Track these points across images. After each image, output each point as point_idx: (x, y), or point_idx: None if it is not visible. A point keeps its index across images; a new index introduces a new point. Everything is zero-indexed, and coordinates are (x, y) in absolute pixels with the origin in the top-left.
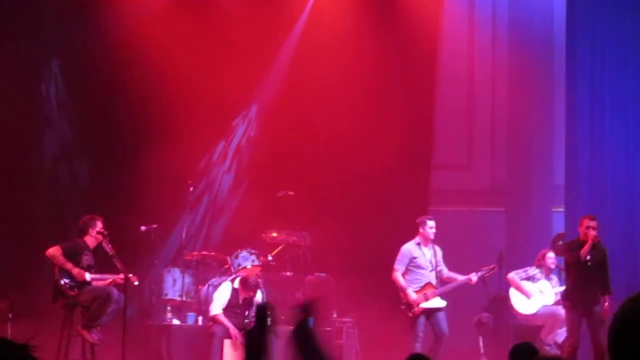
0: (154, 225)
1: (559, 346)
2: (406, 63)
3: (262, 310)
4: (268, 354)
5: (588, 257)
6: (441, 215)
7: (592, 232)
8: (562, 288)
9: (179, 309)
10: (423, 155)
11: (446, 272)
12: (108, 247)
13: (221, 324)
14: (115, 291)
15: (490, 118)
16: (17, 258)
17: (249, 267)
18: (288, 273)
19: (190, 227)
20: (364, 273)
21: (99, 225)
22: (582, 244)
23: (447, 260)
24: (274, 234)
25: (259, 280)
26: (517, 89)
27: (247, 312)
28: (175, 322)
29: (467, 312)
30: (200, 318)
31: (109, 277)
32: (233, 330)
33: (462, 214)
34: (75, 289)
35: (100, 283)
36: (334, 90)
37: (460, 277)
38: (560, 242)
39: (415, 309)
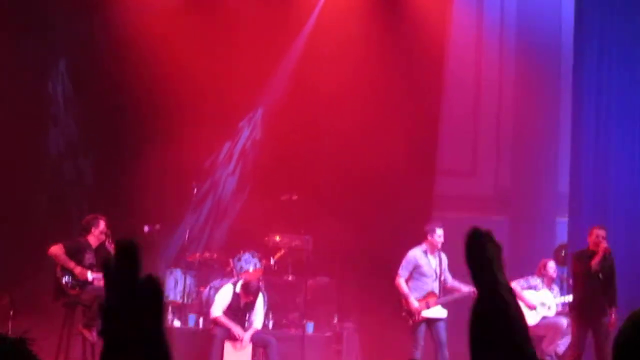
0: (157, 226)
1: (560, 357)
2: (413, 67)
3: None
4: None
5: (597, 269)
6: (444, 222)
7: (604, 244)
8: (564, 298)
9: (180, 311)
10: (428, 160)
11: (450, 281)
12: (111, 247)
13: (222, 325)
14: None
15: (496, 124)
16: (20, 255)
17: (251, 270)
18: (290, 277)
19: (193, 228)
20: (366, 277)
21: (102, 224)
22: (591, 254)
23: (448, 267)
24: (277, 238)
25: (261, 283)
26: (523, 96)
27: (247, 316)
28: (176, 323)
29: (467, 321)
30: (201, 320)
31: None
32: (236, 329)
33: (465, 221)
34: (77, 288)
35: (102, 282)
36: (339, 93)
37: (465, 288)
38: (563, 253)
39: (416, 317)
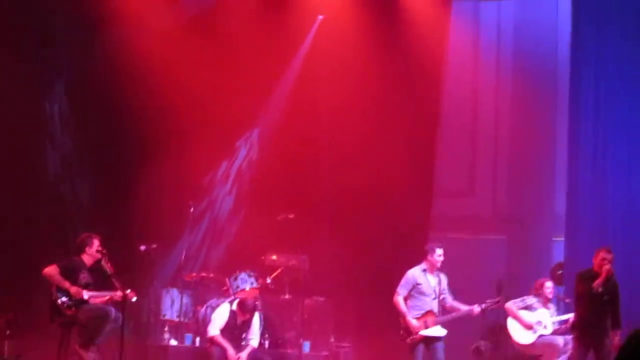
0: (154, 245)
1: None
2: (410, 88)
3: None
4: None
5: (600, 290)
6: (443, 242)
7: (607, 266)
8: (560, 318)
9: (177, 330)
10: (426, 180)
11: (450, 301)
12: (107, 266)
13: (218, 345)
14: (113, 310)
15: (493, 144)
16: (17, 274)
17: (247, 289)
18: (287, 296)
19: (190, 247)
20: (364, 297)
21: (96, 243)
22: (595, 275)
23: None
24: (274, 257)
25: (257, 302)
26: (520, 115)
27: (244, 335)
28: (173, 342)
29: (465, 339)
30: (197, 339)
31: (107, 294)
32: (231, 351)
33: (462, 241)
34: (73, 308)
35: (98, 300)
36: (337, 113)
37: (464, 308)
38: (560, 272)
39: (414, 336)
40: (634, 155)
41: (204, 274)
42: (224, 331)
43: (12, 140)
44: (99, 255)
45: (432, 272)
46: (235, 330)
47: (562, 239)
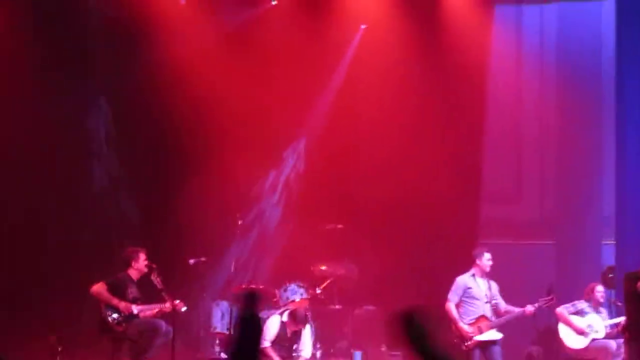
0: (203, 259)
1: None
2: (453, 94)
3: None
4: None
5: None
6: (491, 248)
7: None
8: (612, 321)
9: (227, 342)
10: (473, 187)
11: (503, 306)
12: (157, 280)
13: (269, 357)
14: (163, 324)
15: (539, 150)
16: (63, 291)
17: (297, 300)
18: (336, 306)
19: (239, 260)
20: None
21: (142, 257)
22: None
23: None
24: (323, 267)
25: (308, 313)
26: (565, 120)
27: (295, 346)
28: (224, 355)
29: (517, 345)
30: None
31: (156, 307)
32: None
33: (511, 247)
34: (123, 324)
35: (148, 313)
36: (381, 121)
37: (517, 309)
38: (611, 275)
39: (469, 342)
40: None
41: (253, 286)
42: (275, 343)
43: (58, 156)
44: (145, 269)
45: (481, 276)
46: (286, 341)
47: (612, 242)
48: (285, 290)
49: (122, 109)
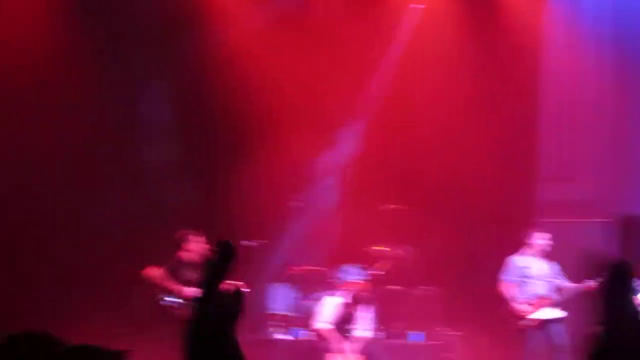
0: (258, 240)
1: None
2: (508, 74)
3: None
4: None
5: None
6: (547, 227)
7: None
8: None
9: (285, 323)
10: (528, 166)
11: (566, 284)
12: None
13: (327, 338)
14: None
15: (594, 128)
16: (118, 276)
17: (354, 281)
18: (394, 287)
19: (295, 241)
20: (472, 285)
21: (194, 239)
22: None
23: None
24: (379, 248)
25: (365, 294)
26: (622, 99)
27: (353, 327)
28: (281, 336)
29: (579, 325)
30: (305, 332)
31: None
32: (340, 344)
33: (566, 226)
34: (177, 307)
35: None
36: (436, 102)
37: (574, 286)
38: None
39: (525, 321)
40: None
41: (310, 267)
42: (332, 324)
43: (109, 141)
44: (203, 252)
45: (535, 256)
46: (344, 322)
47: None
48: (341, 272)
49: (173, 93)
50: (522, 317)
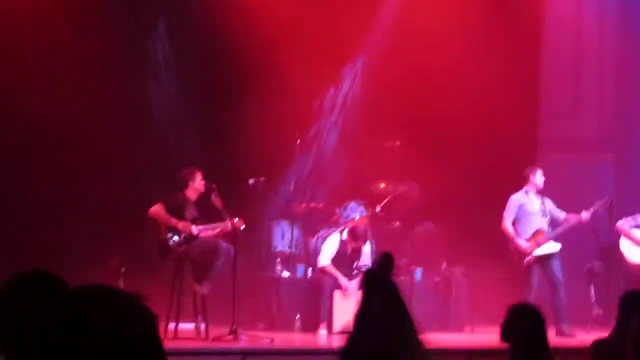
0: (262, 178)
1: None
2: (514, 12)
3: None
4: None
5: None
6: (549, 164)
7: None
8: None
9: (288, 261)
10: (531, 103)
11: (563, 217)
12: (216, 200)
13: (330, 275)
14: (224, 244)
15: (598, 65)
16: (124, 215)
17: (357, 218)
18: (396, 224)
19: (298, 179)
20: (473, 222)
21: (199, 177)
22: None
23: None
24: (382, 185)
25: (368, 231)
26: (626, 32)
27: (355, 263)
28: (285, 274)
29: (578, 261)
30: (309, 270)
31: (217, 226)
32: (343, 280)
33: (569, 163)
34: (184, 245)
35: (208, 233)
36: (440, 40)
37: (574, 218)
38: None
39: (529, 258)
40: None
41: (313, 205)
42: (335, 261)
43: (116, 78)
44: (202, 189)
45: (535, 193)
46: (346, 259)
47: None
48: (345, 209)
49: (179, 33)
50: (524, 254)
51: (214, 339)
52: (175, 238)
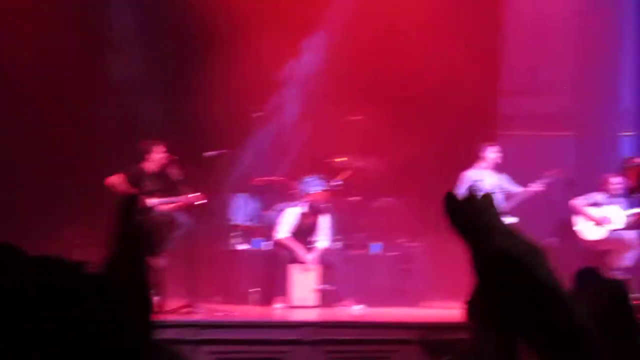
0: (220, 151)
1: (627, 270)
2: None
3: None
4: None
5: None
6: (508, 140)
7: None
8: (630, 212)
9: (246, 234)
10: (491, 79)
11: (514, 190)
12: (175, 172)
13: (287, 247)
14: (180, 216)
15: (558, 41)
16: (81, 188)
17: (316, 191)
18: (356, 198)
19: (257, 152)
20: (433, 197)
21: (159, 149)
22: None
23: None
24: (342, 159)
25: (326, 205)
26: (586, 11)
27: (313, 236)
28: (242, 246)
29: (534, 237)
30: (266, 243)
31: (173, 200)
32: (300, 252)
33: (529, 139)
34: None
35: (165, 207)
36: (402, 15)
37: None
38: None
39: None
40: None
41: (272, 178)
42: (293, 234)
43: (74, 46)
44: (162, 161)
45: (488, 169)
46: (304, 233)
47: (631, 133)
48: (304, 183)
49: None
50: None
51: (170, 312)
52: None
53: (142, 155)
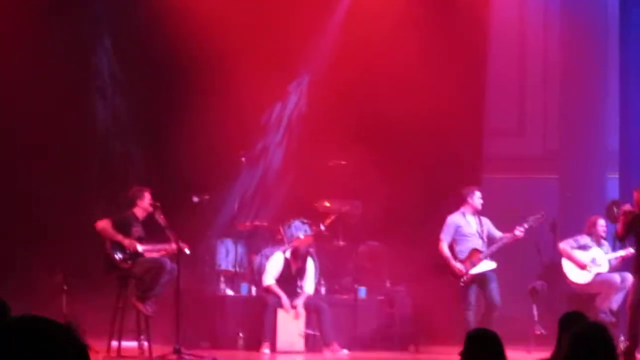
0: (206, 196)
1: (614, 313)
2: (457, 28)
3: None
4: None
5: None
6: (493, 183)
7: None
8: (615, 255)
9: (232, 280)
10: (476, 122)
11: (499, 235)
12: (161, 218)
13: (274, 293)
14: (168, 262)
15: (542, 83)
16: (69, 231)
17: (301, 236)
18: (341, 242)
19: (243, 197)
20: (417, 241)
21: (147, 196)
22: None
23: (500, 229)
24: (326, 204)
25: (311, 249)
26: (569, 54)
27: (299, 282)
28: (229, 292)
29: (521, 280)
30: (253, 288)
31: (161, 247)
32: (285, 300)
33: (514, 182)
34: (129, 262)
35: (153, 254)
36: (384, 59)
37: (507, 234)
38: (615, 210)
39: (464, 278)
40: None
41: (257, 223)
42: (279, 280)
43: (61, 92)
44: (151, 209)
45: (472, 214)
46: (290, 278)
47: (616, 175)
48: (289, 227)
49: (126, 48)
50: (459, 275)
51: (158, 358)
52: (120, 254)
53: (132, 201)
